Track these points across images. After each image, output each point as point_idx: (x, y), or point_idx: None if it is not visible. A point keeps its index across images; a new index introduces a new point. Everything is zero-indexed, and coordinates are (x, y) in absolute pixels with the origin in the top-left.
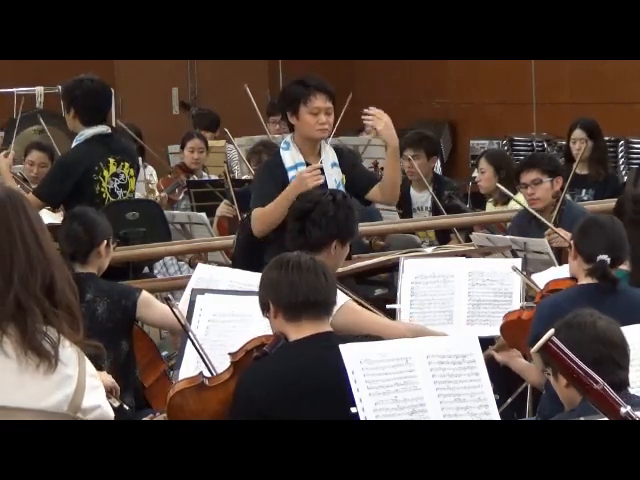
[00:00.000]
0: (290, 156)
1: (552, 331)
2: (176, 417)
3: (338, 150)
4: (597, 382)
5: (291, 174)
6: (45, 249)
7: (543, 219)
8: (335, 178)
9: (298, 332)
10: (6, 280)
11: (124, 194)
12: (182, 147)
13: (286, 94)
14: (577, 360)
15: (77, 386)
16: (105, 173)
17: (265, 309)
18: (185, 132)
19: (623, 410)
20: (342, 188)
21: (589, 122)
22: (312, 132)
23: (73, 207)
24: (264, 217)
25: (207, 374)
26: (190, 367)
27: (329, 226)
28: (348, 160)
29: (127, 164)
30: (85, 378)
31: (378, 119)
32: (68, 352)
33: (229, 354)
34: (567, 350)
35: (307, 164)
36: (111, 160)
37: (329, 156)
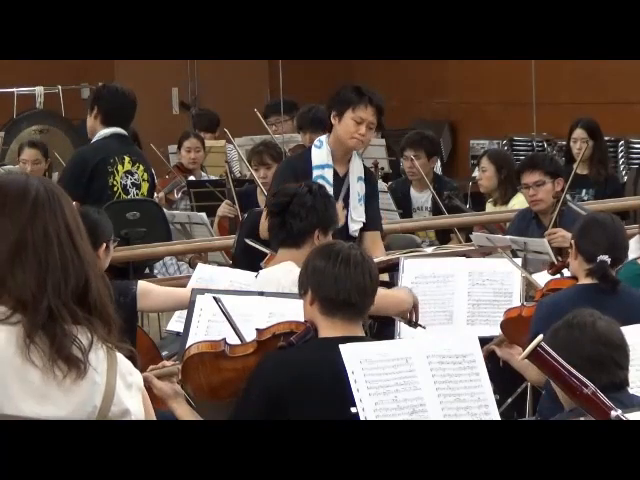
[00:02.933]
0: (320, 155)
1: (540, 337)
2: (189, 375)
3: (366, 171)
4: (587, 386)
5: (316, 173)
6: (80, 249)
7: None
8: (358, 192)
9: (329, 329)
10: (40, 286)
11: (136, 194)
12: (179, 147)
13: (339, 95)
14: (566, 365)
15: (105, 393)
16: (119, 167)
17: (303, 291)
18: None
19: (614, 414)
20: (363, 203)
21: (590, 122)
22: (347, 139)
23: (85, 197)
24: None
25: (230, 342)
26: None
27: (309, 216)
28: (370, 189)
29: (142, 167)
30: (115, 381)
31: None
32: (98, 355)
33: (256, 330)
34: (556, 355)
35: (334, 169)
36: (127, 158)
37: (356, 168)
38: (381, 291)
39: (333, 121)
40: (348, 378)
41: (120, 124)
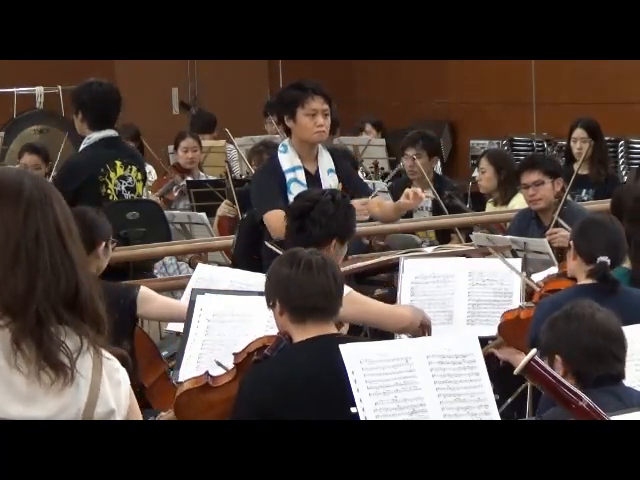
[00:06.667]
0: (288, 159)
1: (533, 351)
2: (183, 415)
3: (333, 153)
4: (581, 398)
5: (289, 176)
6: (70, 251)
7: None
8: (331, 184)
9: (302, 334)
10: (30, 291)
11: (131, 197)
12: (175, 147)
13: (283, 97)
14: (560, 377)
15: (89, 395)
16: (112, 175)
17: (271, 303)
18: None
19: None
20: None
21: (590, 122)
22: (309, 135)
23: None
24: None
25: (212, 373)
26: (190, 367)
27: (329, 225)
28: (344, 167)
29: (134, 168)
30: (100, 382)
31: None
32: (85, 358)
33: (233, 354)
34: (550, 368)
35: (304, 168)
36: (118, 163)
37: (325, 162)
38: (381, 306)
39: (289, 124)
40: (330, 377)
41: (108, 125)
